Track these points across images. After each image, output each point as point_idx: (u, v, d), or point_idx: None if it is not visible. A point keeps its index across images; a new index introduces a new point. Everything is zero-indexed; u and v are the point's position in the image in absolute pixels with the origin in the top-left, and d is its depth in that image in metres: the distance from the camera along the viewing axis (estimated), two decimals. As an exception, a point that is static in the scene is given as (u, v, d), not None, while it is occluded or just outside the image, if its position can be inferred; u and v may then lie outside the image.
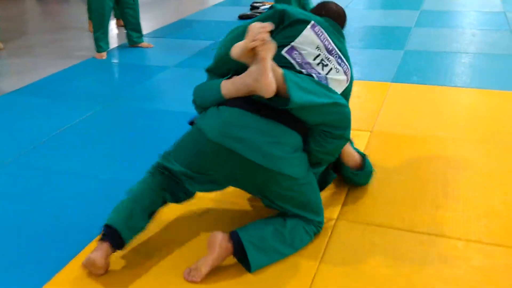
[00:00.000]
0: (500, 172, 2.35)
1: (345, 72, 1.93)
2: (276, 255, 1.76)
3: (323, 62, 1.88)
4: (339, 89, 1.90)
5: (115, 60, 4.41)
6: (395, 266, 1.76)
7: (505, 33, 4.76)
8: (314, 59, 1.87)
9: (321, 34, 1.91)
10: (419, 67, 3.89)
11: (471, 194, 2.18)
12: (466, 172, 2.35)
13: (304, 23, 1.90)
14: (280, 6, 1.97)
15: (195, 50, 4.56)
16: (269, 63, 1.69)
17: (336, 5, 2.13)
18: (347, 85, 1.95)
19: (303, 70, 1.84)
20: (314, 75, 1.84)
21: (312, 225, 1.85)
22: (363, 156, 2.16)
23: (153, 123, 3.04)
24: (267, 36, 1.68)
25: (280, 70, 1.72)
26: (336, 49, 1.93)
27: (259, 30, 1.68)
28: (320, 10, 2.07)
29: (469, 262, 1.77)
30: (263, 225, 1.79)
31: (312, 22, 1.92)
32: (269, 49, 1.68)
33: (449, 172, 2.35)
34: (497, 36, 4.68)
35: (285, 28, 1.91)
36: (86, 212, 2.14)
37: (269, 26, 1.70)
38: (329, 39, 1.93)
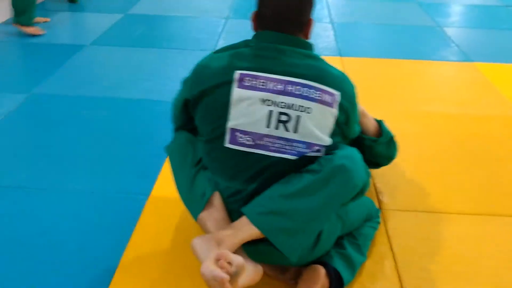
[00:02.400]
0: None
1: (322, 99, 1.36)
2: (358, 266, 1.55)
3: (281, 117, 1.34)
4: (326, 129, 1.38)
5: (12, 39, 3.65)
6: (470, 248, 1.68)
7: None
8: (268, 124, 1.35)
9: (257, 80, 1.35)
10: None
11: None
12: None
13: (227, 84, 1.37)
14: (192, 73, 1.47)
15: (106, 24, 3.97)
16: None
17: None
18: (336, 111, 1.38)
19: (263, 152, 1.36)
20: (278, 154, 1.36)
21: (374, 218, 1.69)
22: (378, 121, 1.78)
23: (93, 114, 2.55)
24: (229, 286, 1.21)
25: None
26: (293, 78, 1.35)
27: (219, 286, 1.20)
28: (256, 21, 1.46)
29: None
30: (345, 242, 1.55)
31: (237, 74, 1.36)
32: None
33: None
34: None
35: (207, 108, 1.41)
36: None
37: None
38: (274, 75, 1.35)
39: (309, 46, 1.44)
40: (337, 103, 1.39)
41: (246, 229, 1.31)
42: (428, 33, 4.06)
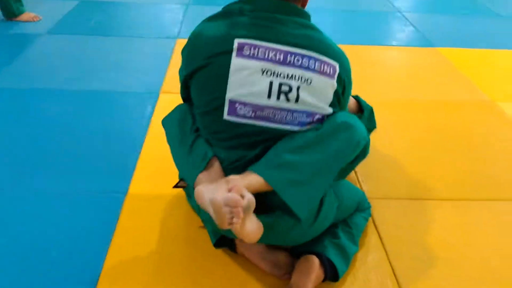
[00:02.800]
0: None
1: (322, 70, 1.34)
2: (351, 256, 1.52)
3: (282, 87, 1.31)
4: (326, 99, 1.36)
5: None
6: (455, 234, 1.69)
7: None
8: (269, 94, 1.31)
9: (257, 49, 1.30)
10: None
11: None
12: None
13: (225, 53, 1.31)
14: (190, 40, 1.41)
15: (61, 11, 3.77)
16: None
17: None
18: (335, 82, 1.36)
19: (264, 124, 1.32)
20: (280, 125, 1.32)
21: (366, 209, 1.68)
22: (355, 97, 1.75)
23: (56, 108, 2.40)
24: (241, 213, 1.16)
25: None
26: (293, 48, 1.31)
27: (230, 214, 1.15)
28: None
29: None
30: (339, 231, 1.52)
31: (236, 43, 1.30)
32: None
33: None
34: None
35: (204, 78, 1.36)
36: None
37: (240, 202, 1.15)
38: (274, 44, 1.30)
39: (307, 16, 1.39)
40: (336, 75, 1.36)
41: (253, 177, 1.27)
42: (389, 18, 4.09)
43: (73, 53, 3.06)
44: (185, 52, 1.44)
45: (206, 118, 1.40)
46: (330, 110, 1.37)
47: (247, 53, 1.30)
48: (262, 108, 1.31)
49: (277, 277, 1.47)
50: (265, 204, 1.31)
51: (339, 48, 1.41)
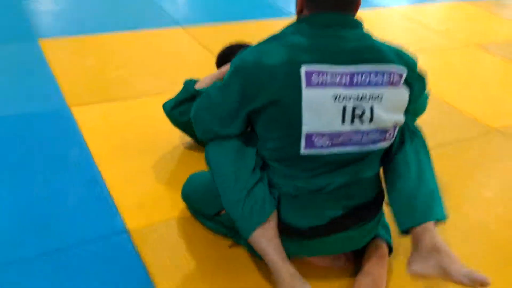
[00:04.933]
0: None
1: (391, 81, 1.27)
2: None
3: (356, 111, 1.24)
4: (398, 109, 1.32)
5: None
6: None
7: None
8: (343, 120, 1.24)
9: (324, 75, 1.22)
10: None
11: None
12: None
13: (295, 86, 1.21)
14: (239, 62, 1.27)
15: None
16: None
17: None
18: (405, 88, 1.31)
19: (341, 149, 1.27)
20: (356, 147, 1.28)
21: None
22: None
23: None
24: None
25: None
26: (359, 66, 1.24)
27: None
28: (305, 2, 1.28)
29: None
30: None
31: (303, 71, 1.20)
32: None
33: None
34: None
35: (274, 114, 1.25)
36: None
37: None
38: (339, 67, 1.23)
39: (361, 25, 1.31)
40: (403, 80, 1.30)
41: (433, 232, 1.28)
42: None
43: None
44: (241, 81, 1.26)
45: (279, 153, 1.29)
46: (402, 120, 1.33)
47: (316, 81, 1.21)
48: (338, 135, 1.25)
49: (339, 268, 1.46)
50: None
51: (399, 50, 1.34)
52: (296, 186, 1.30)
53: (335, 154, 1.27)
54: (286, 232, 1.33)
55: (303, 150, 1.25)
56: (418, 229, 1.28)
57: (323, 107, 1.22)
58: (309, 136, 1.24)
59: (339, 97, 1.23)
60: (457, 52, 3.26)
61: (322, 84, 1.21)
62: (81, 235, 1.54)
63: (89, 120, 2.14)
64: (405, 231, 1.31)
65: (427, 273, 1.23)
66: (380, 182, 1.42)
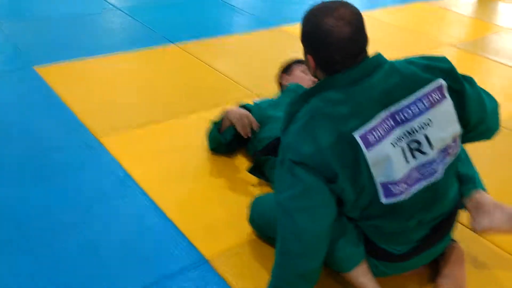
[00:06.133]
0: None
1: (433, 101, 1.26)
2: None
3: (411, 146, 1.26)
4: (452, 121, 1.30)
5: None
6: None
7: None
8: (406, 160, 1.25)
9: (377, 131, 1.22)
10: None
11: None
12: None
13: (358, 159, 1.22)
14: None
15: None
16: None
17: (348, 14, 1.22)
18: (449, 99, 1.28)
19: (419, 185, 1.29)
20: (432, 177, 1.30)
21: None
22: None
23: None
24: None
25: None
26: (397, 103, 1.24)
27: None
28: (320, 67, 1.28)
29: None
30: None
31: (359, 140, 1.20)
32: None
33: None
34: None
35: (346, 186, 1.25)
36: None
37: None
38: (383, 113, 1.23)
39: (380, 58, 1.27)
40: (446, 91, 1.27)
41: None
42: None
43: None
44: (305, 175, 1.23)
45: (360, 213, 1.33)
46: (459, 129, 1.32)
47: (371, 140, 1.21)
48: (409, 175, 1.26)
49: (415, 273, 1.54)
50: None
51: (430, 61, 1.31)
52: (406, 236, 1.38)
53: (416, 193, 1.29)
54: (376, 255, 1.40)
55: (383, 199, 1.26)
56: (478, 194, 1.44)
57: (386, 158, 1.22)
58: (384, 185, 1.25)
59: (395, 142, 1.24)
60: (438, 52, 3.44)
61: (377, 140, 1.22)
62: (162, 271, 1.54)
63: (121, 148, 2.12)
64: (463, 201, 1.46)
65: (495, 225, 1.40)
66: (459, 194, 1.47)
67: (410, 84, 1.25)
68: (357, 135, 1.20)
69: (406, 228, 1.35)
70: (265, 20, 3.90)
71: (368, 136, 1.20)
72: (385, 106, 1.23)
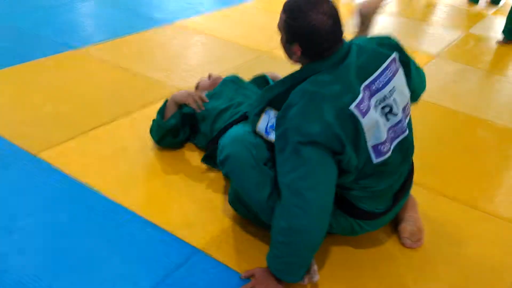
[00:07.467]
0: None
1: (393, 73, 1.50)
2: None
3: (385, 110, 1.48)
4: (406, 91, 1.55)
5: None
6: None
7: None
8: (385, 120, 1.47)
9: (362, 102, 1.39)
10: None
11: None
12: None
13: (357, 129, 1.39)
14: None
15: None
16: None
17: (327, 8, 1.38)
18: (401, 69, 1.54)
19: (394, 143, 1.52)
20: (402, 135, 1.54)
21: None
22: None
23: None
24: None
25: None
26: (371, 77, 1.45)
27: None
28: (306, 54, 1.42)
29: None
30: None
31: (355, 110, 1.37)
32: None
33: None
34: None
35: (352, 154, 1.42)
36: None
37: None
38: (365, 83, 1.43)
39: (347, 42, 1.46)
40: (398, 61, 1.52)
41: None
42: None
43: None
44: (313, 146, 1.35)
45: (356, 178, 1.49)
46: (409, 92, 1.56)
47: (364, 110, 1.39)
48: (388, 135, 1.47)
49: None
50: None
51: (379, 39, 1.54)
52: (375, 190, 1.56)
53: (394, 151, 1.51)
54: (362, 216, 1.60)
55: (375, 160, 1.46)
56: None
57: (375, 124, 1.43)
58: (374, 147, 1.45)
59: (374, 107, 1.44)
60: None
61: (367, 109, 1.41)
62: (163, 271, 1.57)
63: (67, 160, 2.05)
64: None
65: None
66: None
67: (375, 59, 1.48)
68: (353, 108, 1.37)
69: (392, 183, 1.57)
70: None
71: (360, 107, 1.38)
72: (363, 80, 1.43)
